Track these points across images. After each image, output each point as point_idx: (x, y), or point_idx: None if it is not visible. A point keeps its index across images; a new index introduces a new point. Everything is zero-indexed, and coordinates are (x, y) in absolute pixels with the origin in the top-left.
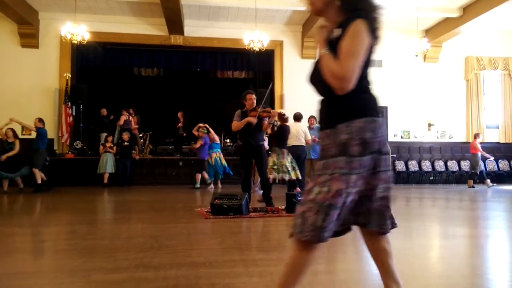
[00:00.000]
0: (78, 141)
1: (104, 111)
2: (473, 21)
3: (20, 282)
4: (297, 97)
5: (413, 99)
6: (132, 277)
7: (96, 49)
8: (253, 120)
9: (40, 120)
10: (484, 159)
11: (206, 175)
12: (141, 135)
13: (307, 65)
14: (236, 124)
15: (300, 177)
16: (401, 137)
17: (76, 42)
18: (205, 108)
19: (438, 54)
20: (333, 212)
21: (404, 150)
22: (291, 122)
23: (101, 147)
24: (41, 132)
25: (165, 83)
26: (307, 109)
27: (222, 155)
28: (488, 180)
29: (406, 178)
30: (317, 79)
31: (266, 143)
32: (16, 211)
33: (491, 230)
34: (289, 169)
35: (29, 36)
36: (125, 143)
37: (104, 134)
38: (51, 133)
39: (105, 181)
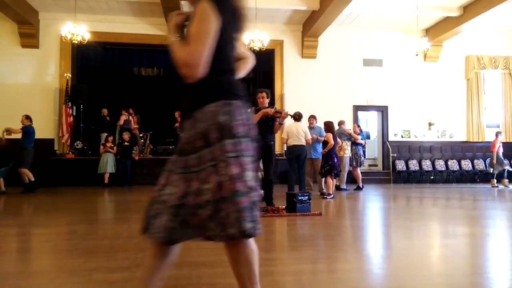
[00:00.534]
0: (78, 141)
1: (104, 111)
2: (473, 20)
3: (21, 282)
4: (297, 97)
5: (413, 98)
6: (133, 277)
7: (96, 49)
8: (269, 111)
9: (28, 117)
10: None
11: None
12: (141, 135)
13: (308, 65)
14: (253, 118)
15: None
16: (402, 137)
17: (76, 42)
18: None
19: (439, 53)
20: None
21: (405, 149)
22: (291, 122)
23: (101, 147)
24: (27, 130)
25: (165, 83)
26: (307, 109)
27: None
28: (506, 180)
29: (406, 178)
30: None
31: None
32: (16, 211)
33: (491, 229)
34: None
35: (29, 36)
36: (125, 143)
37: (105, 134)
38: (51, 133)
39: (106, 181)
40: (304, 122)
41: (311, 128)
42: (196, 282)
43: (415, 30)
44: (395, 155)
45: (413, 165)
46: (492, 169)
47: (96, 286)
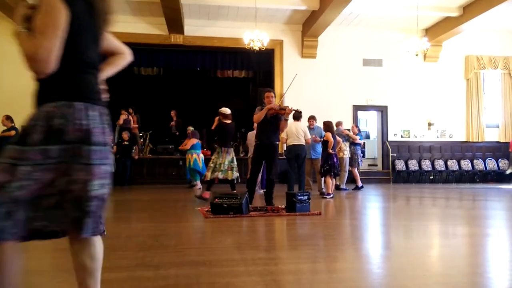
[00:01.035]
0: None
1: None
2: (473, 20)
3: (21, 281)
4: (297, 97)
5: (413, 98)
6: (132, 276)
7: None
8: (274, 105)
9: (8, 118)
10: None
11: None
12: (141, 134)
13: (308, 64)
14: (258, 115)
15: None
16: (401, 137)
17: None
18: (205, 107)
19: (438, 53)
20: None
21: (404, 149)
22: (290, 121)
23: None
24: (14, 130)
25: (165, 82)
26: (307, 109)
27: (200, 156)
28: None
29: (406, 178)
30: None
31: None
32: None
33: (491, 229)
34: (226, 168)
35: None
36: (125, 143)
37: None
38: None
39: None
40: (304, 122)
41: (311, 128)
42: (195, 281)
43: (415, 30)
44: (395, 155)
45: (413, 165)
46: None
47: None
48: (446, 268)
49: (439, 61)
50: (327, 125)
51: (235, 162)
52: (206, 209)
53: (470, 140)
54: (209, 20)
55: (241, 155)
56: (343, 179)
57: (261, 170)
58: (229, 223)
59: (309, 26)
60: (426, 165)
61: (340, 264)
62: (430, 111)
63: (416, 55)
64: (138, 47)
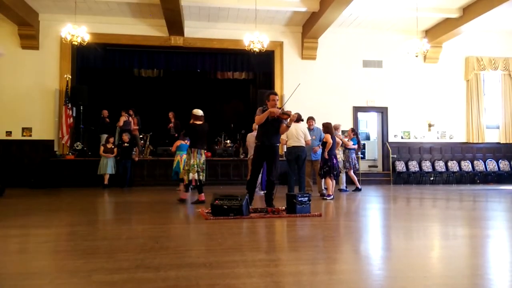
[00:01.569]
0: (78, 142)
1: (105, 113)
2: (473, 22)
3: (21, 283)
4: (297, 98)
5: (413, 99)
6: (132, 278)
7: (96, 50)
8: (276, 110)
9: None
10: None
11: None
12: (141, 136)
13: (308, 66)
14: (259, 117)
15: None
16: (402, 138)
17: (76, 43)
18: (205, 108)
19: (438, 55)
20: None
21: (404, 150)
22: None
23: (101, 147)
24: None
25: (165, 84)
26: (307, 110)
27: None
28: None
29: (406, 179)
30: None
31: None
32: (16, 212)
33: (491, 230)
34: (197, 169)
35: (29, 37)
36: (125, 144)
37: (105, 135)
38: (51, 135)
39: (106, 182)
40: (303, 123)
41: (310, 129)
42: (195, 283)
43: (415, 31)
44: (395, 156)
45: (413, 166)
46: None
47: (96, 287)
48: (446, 270)
49: (439, 62)
50: (326, 127)
51: (205, 166)
52: (207, 211)
53: (471, 141)
54: (209, 22)
55: (241, 156)
56: (341, 181)
57: (261, 172)
58: (229, 225)
59: (309, 27)
60: (427, 166)
61: (340, 266)
62: (430, 112)
63: (416, 56)
64: (139, 48)
